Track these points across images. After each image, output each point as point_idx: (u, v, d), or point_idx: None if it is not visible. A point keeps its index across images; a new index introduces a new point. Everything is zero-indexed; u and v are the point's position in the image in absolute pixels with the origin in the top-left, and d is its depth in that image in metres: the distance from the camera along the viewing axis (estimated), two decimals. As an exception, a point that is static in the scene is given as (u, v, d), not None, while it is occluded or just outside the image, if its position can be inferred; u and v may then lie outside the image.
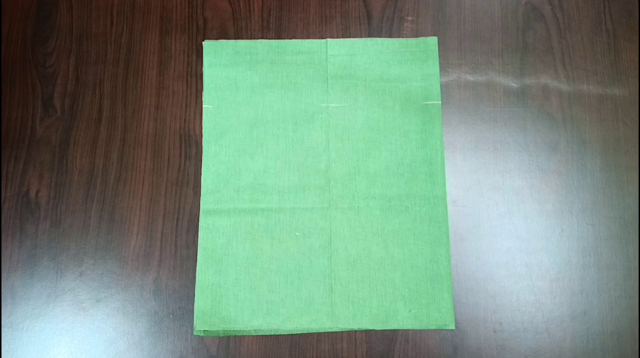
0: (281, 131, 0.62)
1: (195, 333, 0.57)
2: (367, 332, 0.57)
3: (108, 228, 0.60)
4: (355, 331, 0.57)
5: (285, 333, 0.57)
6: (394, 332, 0.57)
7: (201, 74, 0.64)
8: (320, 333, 0.57)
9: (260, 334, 0.57)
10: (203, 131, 0.62)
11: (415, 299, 0.57)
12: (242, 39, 0.64)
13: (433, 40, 0.64)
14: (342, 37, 0.64)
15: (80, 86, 0.63)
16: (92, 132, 0.62)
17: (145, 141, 0.62)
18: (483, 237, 0.59)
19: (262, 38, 0.65)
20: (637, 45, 0.64)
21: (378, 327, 0.57)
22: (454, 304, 0.57)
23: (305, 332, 0.57)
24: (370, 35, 0.65)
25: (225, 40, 0.64)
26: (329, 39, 0.64)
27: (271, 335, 0.57)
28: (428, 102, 0.62)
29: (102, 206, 0.60)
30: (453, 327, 0.57)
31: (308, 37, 0.65)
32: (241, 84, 0.63)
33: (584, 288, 0.58)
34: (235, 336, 0.57)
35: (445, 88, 0.63)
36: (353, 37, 0.64)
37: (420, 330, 0.57)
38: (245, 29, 0.65)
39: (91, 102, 0.63)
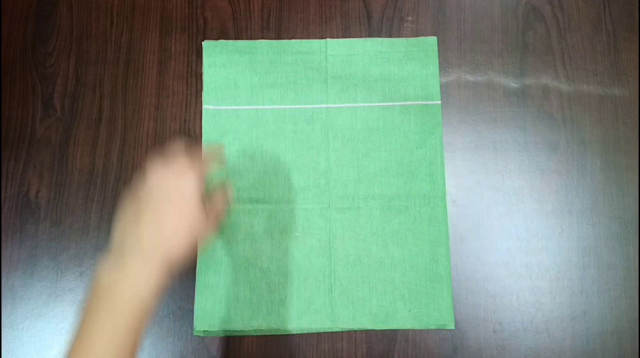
0: (281, 131, 0.62)
1: (195, 333, 0.57)
2: (367, 332, 0.57)
3: (108, 228, 0.60)
4: (355, 331, 0.57)
5: (285, 333, 0.57)
6: (394, 331, 0.57)
7: (201, 74, 0.64)
8: (320, 333, 0.57)
9: (260, 334, 0.57)
10: (203, 131, 0.62)
11: (415, 299, 0.57)
12: (242, 39, 0.64)
13: (433, 40, 0.64)
14: (342, 37, 0.64)
15: (80, 86, 0.63)
16: (92, 132, 0.62)
17: (146, 141, 0.62)
18: (483, 237, 0.59)
19: (262, 38, 0.65)
20: (637, 45, 0.64)
21: (378, 327, 0.57)
22: (454, 304, 0.57)
23: (305, 332, 0.57)
24: (370, 35, 0.65)
25: (225, 41, 0.64)
26: (328, 39, 0.64)
27: (271, 335, 0.57)
28: (428, 102, 0.62)
29: (102, 206, 0.60)
30: (453, 327, 0.57)
31: (308, 37, 0.64)
32: (241, 84, 0.63)
33: (583, 288, 0.58)
34: (235, 336, 0.57)
35: (445, 88, 0.63)
36: (353, 37, 0.64)
37: (420, 330, 0.57)
38: (245, 29, 0.65)
39: (91, 103, 0.63)
